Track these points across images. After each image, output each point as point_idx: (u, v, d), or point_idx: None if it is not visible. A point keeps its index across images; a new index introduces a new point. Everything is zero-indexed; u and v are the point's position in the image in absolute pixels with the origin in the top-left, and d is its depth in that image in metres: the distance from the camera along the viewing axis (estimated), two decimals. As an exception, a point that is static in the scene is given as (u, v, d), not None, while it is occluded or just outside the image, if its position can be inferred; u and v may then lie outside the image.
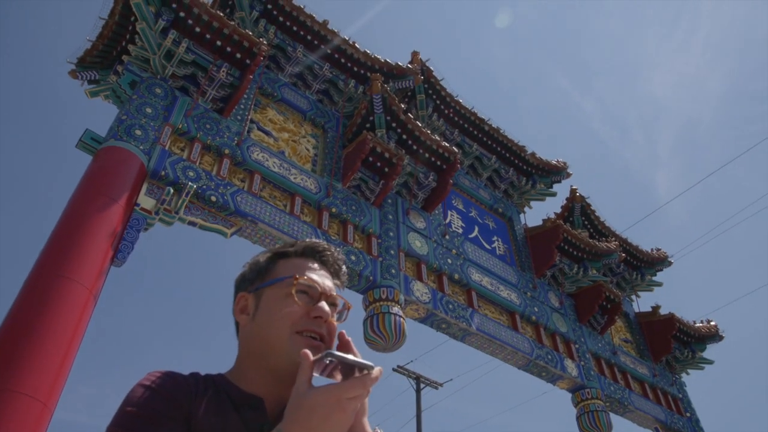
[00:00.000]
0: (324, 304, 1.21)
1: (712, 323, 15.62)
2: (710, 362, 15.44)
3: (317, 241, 1.33)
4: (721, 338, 15.52)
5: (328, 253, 1.31)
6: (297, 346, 1.13)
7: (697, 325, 15.28)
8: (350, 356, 0.96)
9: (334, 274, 1.31)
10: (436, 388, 20.68)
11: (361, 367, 0.96)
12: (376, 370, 0.96)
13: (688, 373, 15.40)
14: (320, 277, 1.26)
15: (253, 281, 1.28)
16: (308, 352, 1.00)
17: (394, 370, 20.27)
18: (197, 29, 8.87)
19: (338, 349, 1.15)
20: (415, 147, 11.10)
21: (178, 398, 1.07)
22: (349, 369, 0.97)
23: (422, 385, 20.16)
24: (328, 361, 0.96)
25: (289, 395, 1.13)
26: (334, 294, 1.26)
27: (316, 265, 1.28)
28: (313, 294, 1.22)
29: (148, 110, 8.25)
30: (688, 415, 13.97)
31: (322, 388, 0.95)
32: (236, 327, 1.31)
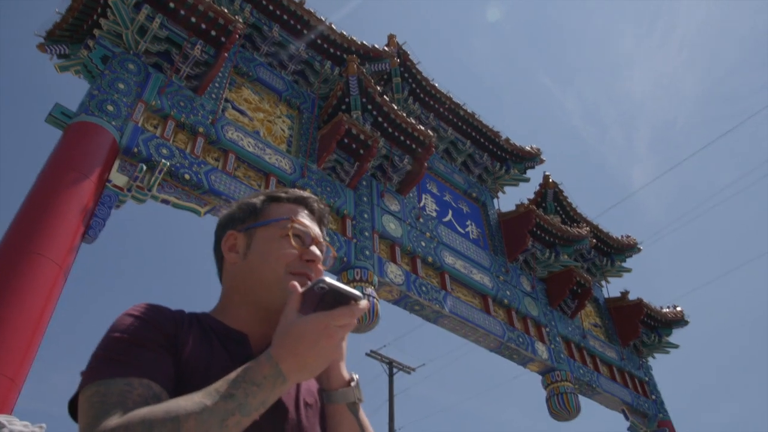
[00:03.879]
0: (316, 249, 1.25)
1: (678, 309, 15.98)
2: (675, 346, 15.81)
3: (305, 192, 1.37)
4: (686, 323, 15.89)
5: (316, 203, 1.36)
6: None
7: (664, 310, 15.61)
8: (341, 284, 0.97)
9: (320, 222, 1.35)
10: (409, 372, 20.85)
11: (349, 298, 0.97)
12: (363, 302, 0.98)
13: (654, 357, 15.75)
14: (311, 223, 1.30)
15: (243, 221, 1.29)
16: (296, 283, 1.03)
17: (367, 354, 20.37)
18: (171, 5, 8.71)
19: None
20: (390, 130, 11.09)
21: (166, 327, 1.07)
22: (334, 303, 0.98)
23: (395, 370, 20.30)
24: (317, 289, 0.97)
25: (273, 333, 1.16)
26: (322, 241, 1.30)
27: (306, 212, 1.32)
28: (305, 238, 1.26)
29: (121, 86, 8.10)
30: (653, 397, 14.31)
31: (310, 315, 0.96)
32: (218, 266, 1.32)
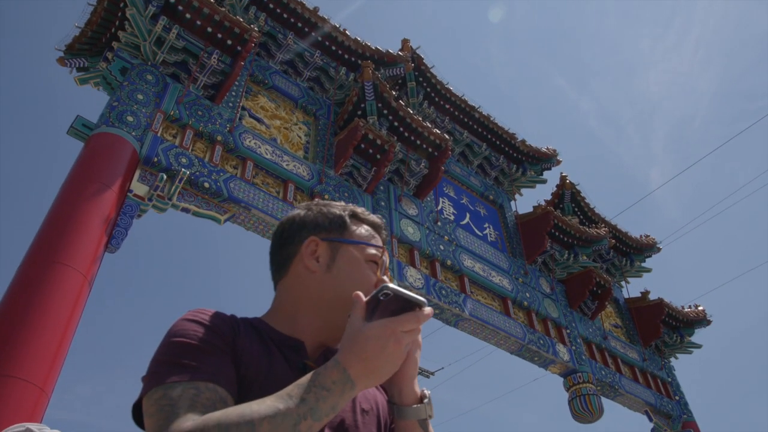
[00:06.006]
0: (386, 278, 1.25)
1: (700, 308, 15.80)
2: (698, 346, 15.63)
3: (377, 217, 1.37)
4: (708, 323, 15.71)
5: (385, 231, 1.36)
6: None
7: (686, 310, 15.44)
8: (406, 291, 0.97)
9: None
10: (428, 376, 20.77)
11: (414, 304, 0.98)
12: (428, 308, 0.98)
13: (676, 357, 15.58)
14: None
15: (328, 231, 1.26)
16: (360, 293, 1.02)
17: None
18: (187, 15, 8.80)
19: None
20: (406, 134, 11.10)
21: (225, 332, 1.07)
22: (399, 309, 0.98)
23: (414, 374, 20.24)
24: (382, 296, 0.97)
25: (328, 342, 1.19)
26: (388, 269, 1.31)
27: (380, 239, 1.32)
28: (382, 267, 1.26)
29: (140, 97, 8.19)
30: (677, 398, 14.15)
31: (377, 321, 0.96)
32: (279, 265, 1.28)
